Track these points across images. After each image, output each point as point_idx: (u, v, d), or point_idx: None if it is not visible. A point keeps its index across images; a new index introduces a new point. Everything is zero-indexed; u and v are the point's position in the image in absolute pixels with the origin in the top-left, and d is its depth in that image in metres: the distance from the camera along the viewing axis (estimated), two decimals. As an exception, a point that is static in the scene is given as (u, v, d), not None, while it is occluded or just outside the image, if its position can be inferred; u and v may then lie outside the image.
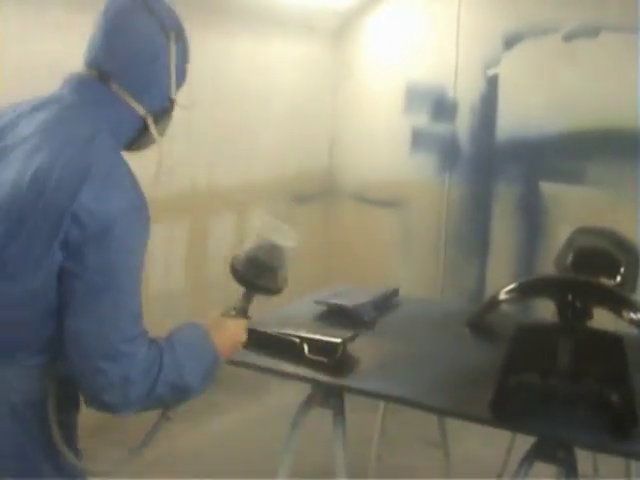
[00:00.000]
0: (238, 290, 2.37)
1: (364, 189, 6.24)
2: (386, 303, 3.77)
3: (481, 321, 3.51)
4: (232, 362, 3.11)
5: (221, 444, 4.62)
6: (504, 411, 2.59)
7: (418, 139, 6.00)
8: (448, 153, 5.89)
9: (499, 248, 5.75)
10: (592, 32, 5.24)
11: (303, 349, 3.00)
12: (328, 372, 2.91)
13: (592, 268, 3.66)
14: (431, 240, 6.00)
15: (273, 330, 3.16)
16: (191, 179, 5.15)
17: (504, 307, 3.62)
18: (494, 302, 3.51)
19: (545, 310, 3.92)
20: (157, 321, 2.06)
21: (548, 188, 5.54)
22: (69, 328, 1.89)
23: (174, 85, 2.09)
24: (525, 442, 4.03)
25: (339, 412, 2.99)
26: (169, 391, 2.00)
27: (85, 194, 1.85)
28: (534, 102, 5.49)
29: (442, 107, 5.88)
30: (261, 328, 3.18)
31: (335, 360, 2.93)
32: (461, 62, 5.74)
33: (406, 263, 5.99)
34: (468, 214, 5.83)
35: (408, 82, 5.99)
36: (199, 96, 4.33)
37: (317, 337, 3.04)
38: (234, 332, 2.30)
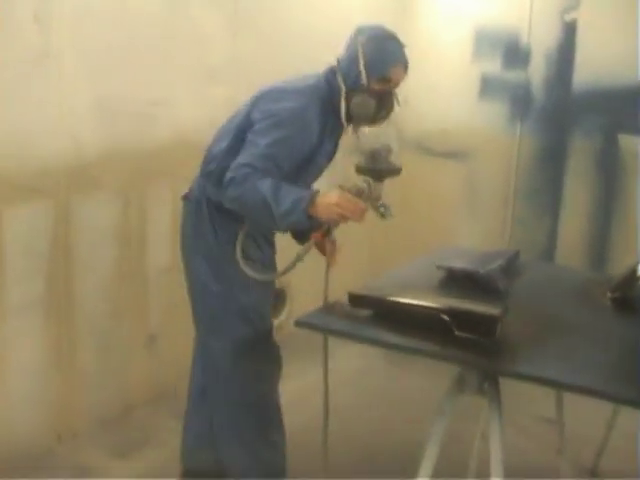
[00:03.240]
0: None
1: (428, 139, 5.87)
2: (512, 268, 3.41)
3: (621, 294, 3.19)
4: (367, 339, 2.79)
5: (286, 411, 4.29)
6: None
7: (488, 86, 5.64)
8: (520, 102, 5.54)
9: (573, 204, 5.43)
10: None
11: (451, 324, 2.64)
12: (483, 352, 2.57)
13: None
14: (499, 195, 5.66)
15: (406, 300, 2.80)
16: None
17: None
18: (633, 277, 3.18)
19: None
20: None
21: (627, 141, 5.21)
22: None
23: (364, 73, 3.08)
24: (627, 418, 3.81)
25: (496, 399, 2.65)
26: (260, 201, 2.89)
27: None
28: (615, 50, 5.13)
29: (515, 53, 5.52)
30: (390, 297, 2.84)
31: (494, 338, 2.58)
32: (536, 5, 5.38)
33: (471, 219, 5.65)
34: (540, 168, 5.50)
35: (477, 25, 5.62)
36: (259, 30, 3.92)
37: (469, 309, 2.67)
38: (331, 194, 2.89)
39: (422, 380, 4.65)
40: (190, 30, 4.31)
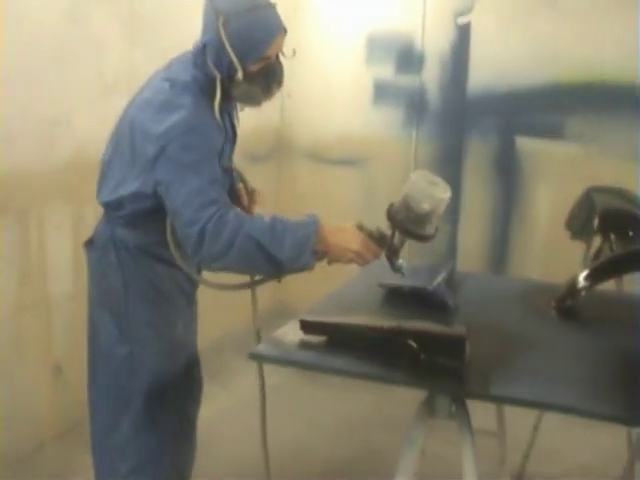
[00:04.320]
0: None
1: (320, 147, 5.74)
2: (451, 281, 3.30)
3: (565, 304, 3.14)
4: (331, 370, 2.65)
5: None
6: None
7: (381, 92, 5.55)
8: (415, 107, 5.48)
9: (471, 208, 5.41)
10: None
11: (418, 350, 2.51)
12: (451, 375, 2.46)
13: (620, 230, 3.45)
14: (397, 202, 5.57)
15: (366, 324, 2.65)
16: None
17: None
18: (575, 290, 3.14)
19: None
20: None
21: (524, 143, 5.23)
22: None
23: (236, 62, 2.55)
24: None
25: (466, 421, 2.54)
26: (254, 249, 2.47)
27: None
28: (509, 52, 5.15)
29: (408, 57, 5.45)
30: (347, 322, 2.70)
31: (463, 360, 2.48)
32: (429, 8, 5.33)
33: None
34: (438, 172, 5.33)
35: (370, 30, 5.53)
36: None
37: (433, 332, 2.55)
38: (351, 236, 2.59)
39: (338, 395, 4.58)
40: (86, 40, 4.07)
